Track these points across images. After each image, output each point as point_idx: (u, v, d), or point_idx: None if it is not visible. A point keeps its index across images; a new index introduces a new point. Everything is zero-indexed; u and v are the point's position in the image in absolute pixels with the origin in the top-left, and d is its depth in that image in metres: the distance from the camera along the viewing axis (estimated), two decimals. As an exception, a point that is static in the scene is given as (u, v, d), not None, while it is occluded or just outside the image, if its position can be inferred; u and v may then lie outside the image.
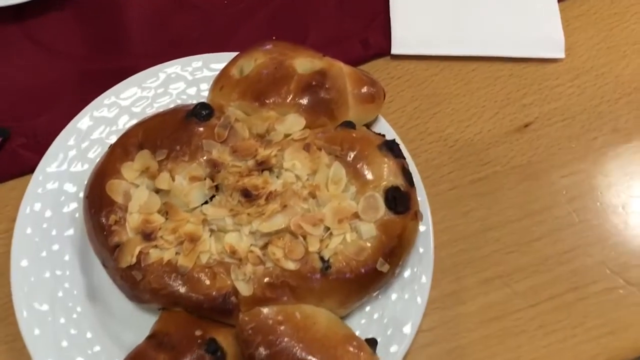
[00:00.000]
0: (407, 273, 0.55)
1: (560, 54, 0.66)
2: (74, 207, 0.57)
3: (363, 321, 0.54)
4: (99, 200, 0.52)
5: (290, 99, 0.53)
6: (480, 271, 0.58)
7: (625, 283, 0.58)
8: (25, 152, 0.62)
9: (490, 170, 0.62)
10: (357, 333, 0.52)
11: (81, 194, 0.57)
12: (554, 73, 0.66)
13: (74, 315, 0.54)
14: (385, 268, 0.50)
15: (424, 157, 0.62)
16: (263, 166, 0.51)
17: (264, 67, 0.55)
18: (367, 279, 0.50)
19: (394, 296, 0.54)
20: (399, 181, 0.51)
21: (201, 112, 0.53)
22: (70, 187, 0.58)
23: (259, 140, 0.52)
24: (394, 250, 0.50)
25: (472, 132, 0.63)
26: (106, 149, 0.57)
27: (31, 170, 0.60)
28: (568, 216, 0.60)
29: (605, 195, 0.61)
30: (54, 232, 0.56)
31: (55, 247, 0.56)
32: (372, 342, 0.50)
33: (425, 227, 0.55)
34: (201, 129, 0.52)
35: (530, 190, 0.61)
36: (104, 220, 0.51)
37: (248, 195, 0.49)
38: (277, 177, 0.51)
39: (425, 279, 0.54)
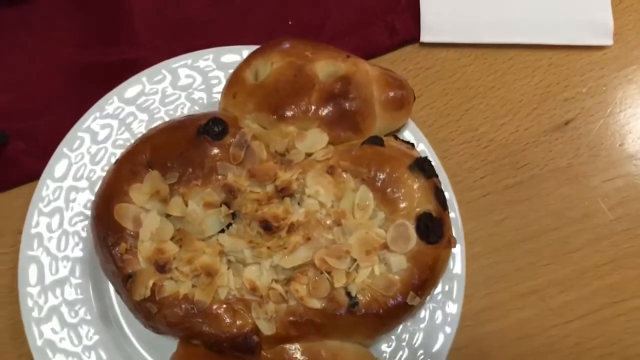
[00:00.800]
0: (439, 292, 0.52)
1: (608, 41, 0.59)
2: (82, 224, 0.54)
3: (392, 345, 0.51)
4: (107, 225, 0.48)
5: (311, 111, 0.48)
6: (514, 285, 0.55)
7: (669, 298, 0.55)
8: (27, 158, 0.58)
9: (527, 174, 0.57)
10: (385, 357, 0.49)
11: (88, 212, 0.53)
12: (600, 62, 0.60)
13: (88, 341, 0.51)
14: (416, 302, 0.46)
15: (455, 159, 0.58)
16: (284, 192, 0.46)
17: (282, 73, 0.50)
18: (396, 314, 0.46)
19: (423, 314, 0.51)
20: (432, 206, 0.47)
21: (214, 129, 0.48)
22: (77, 201, 0.54)
23: (278, 160, 0.48)
24: (426, 282, 0.47)
25: (508, 131, 0.58)
26: (113, 156, 0.54)
27: (34, 177, 0.57)
28: (609, 225, 0.56)
29: (651, 203, 0.57)
30: (61, 253, 0.53)
31: (64, 269, 0.53)
32: (401, 376, 0.47)
33: (457, 246, 0.51)
34: (215, 149, 0.48)
35: (570, 197, 0.57)
36: (113, 249, 0.48)
37: (268, 228, 0.45)
38: (299, 203, 0.47)
39: (455, 302, 0.51)
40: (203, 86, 0.56)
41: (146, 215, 0.48)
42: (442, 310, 0.52)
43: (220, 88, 0.55)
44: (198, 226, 0.47)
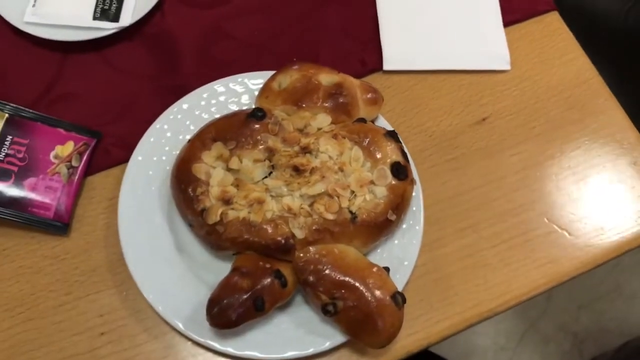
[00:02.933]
0: (405, 225, 0.77)
1: (507, 66, 0.89)
2: (158, 185, 0.77)
3: (377, 258, 0.75)
4: (187, 179, 0.72)
5: (319, 103, 0.75)
6: (456, 223, 0.81)
7: (557, 228, 0.81)
8: (114, 149, 0.82)
9: (460, 152, 0.85)
10: (373, 267, 0.73)
11: (163, 177, 0.77)
12: (502, 80, 0.89)
13: (168, 262, 0.74)
14: (393, 217, 0.72)
15: (411, 144, 0.85)
16: (305, 150, 0.72)
17: (298, 81, 0.77)
18: (381, 225, 0.72)
19: (396, 241, 0.76)
20: (400, 158, 0.73)
21: (257, 114, 0.74)
22: (154, 172, 0.78)
23: (300, 133, 0.74)
24: (399, 205, 0.72)
25: (445, 125, 0.86)
26: (178, 144, 0.78)
27: (120, 163, 0.81)
28: (517, 183, 0.84)
29: (543, 167, 0.85)
30: (145, 204, 0.76)
31: (148, 214, 0.76)
32: (386, 269, 0.72)
33: (416, 193, 0.77)
34: (258, 126, 0.74)
35: (489, 166, 0.84)
36: (192, 192, 0.72)
37: (297, 170, 0.71)
38: (316, 157, 0.72)
39: (419, 228, 0.77)
40: (236, 99, 0.82)
41: (214, 170, 0.72)
42: (409, 237, 0.77)
43: (247, 98, 0.82)
44: (250, 175, 0.72)
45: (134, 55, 0.87)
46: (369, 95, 0.78)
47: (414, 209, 0.77)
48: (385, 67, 0.88)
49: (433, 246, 0.79)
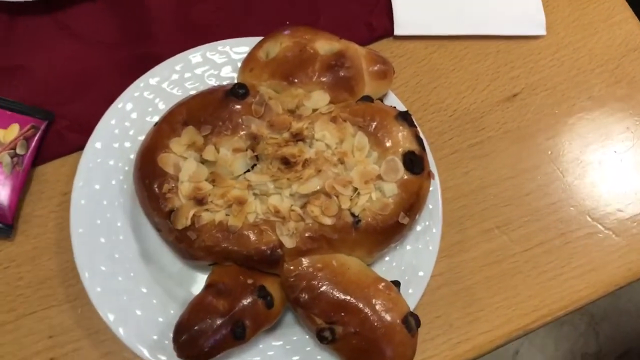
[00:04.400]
0: (419, 227, 0.63)
1: (542, 31, 0.75)
2: (121, 179, 0.64)
3: (384, 269, 0.62)
4: (151, 172, 0.59)
5: (315, 77, 0.61)
6: (481, 222, 0.67)
7: (603, 228, 0.68)
8: (70, 134, 0.68)
9: (485, 135, 0.71)
10: (380, 279, 0.60)
11: (126, 168, 0.64)
12: (537, 49, 0.75)
13: (131, 274, 0.61)
14: (405, 220, 0.58)
15: (428, 126, 0.70)
16: (297, 137, 0.58)
17: (289, 50, 0.62)
18: (390, 231, 0.58)
19: (409, 247, 0.63)
20: (414, 146, 0.59)
21: (238, 92, 0.60)
22: (116, 162, 0.64)
23: (291, 115, 0.60)
24: (413, 205, 0.58)
25: (468, 103, 0.72)
26: (144, 127, 0.64)
27: (76, 149, 0.67)
28: (553, 173, 0.70)
29: (585, 154, 0.71)
30: (105, 202, 0.63)
31: (108, 215, 0.62)
32: (395, 284, 0.58)
33: (433, 187, 0.64)
34: (239, 106, 0.60)
35: (520, 152, 0.70)
36: (157, 189, 0.58)
37: (287, 163, 0.57)
38: (310, 146, 0.59)
39: (436, 230, 0.63)
40: (217, 70, 0.68)
41: (184, 162, 0.59)
42: (424, 242, 0.63)
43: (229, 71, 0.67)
44: (229, 167, 0.58)
45: (95, 19, 0.73)
46: (377, 67, 0.64)
47: (430, 206, 0.63)
48: (397, 32, 0.73)
49: (453, 251, 0.66)
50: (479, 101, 0.72)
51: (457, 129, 0.71)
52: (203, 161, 0.59)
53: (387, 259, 0.62)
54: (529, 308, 0.64)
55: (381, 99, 0.66)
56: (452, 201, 0.68)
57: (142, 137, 0.64)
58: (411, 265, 0.62)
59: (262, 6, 0.75)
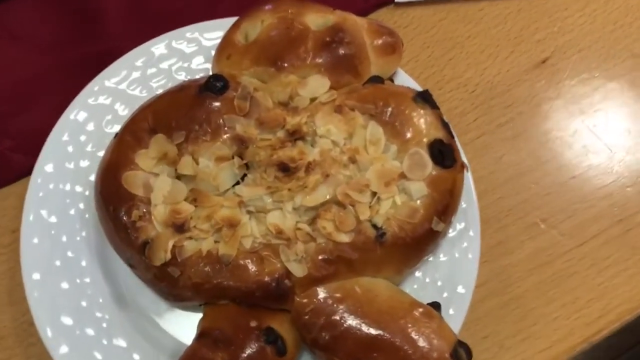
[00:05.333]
0: (453, 231, 0.52)
1: (568, -17, 0.63)
2: (81, 207, 0.52)
3: (415, 286, 0.51)
4: (116, 196, 0.46)
5: (309, 59, 0.49)
6: (522, 217, 0.56)
7: (667, 208, 0.57)
8: (14, 155, 0.56)
9: (516, 111, 0.59)
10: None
11: (87, 193, 0.52)
12: (563, 4, 0.63)
13: (104, 325, 0.49)
14: (440, 227, 0.46)
15: (446, 106, 0.59)
16: (295, 136, 0.46)
17: (274, 28, 0.50)
18: (423, 241, 0.46)
19: (443, 257, 0.51)
20: (441, 133, 0.48)
21: (215, 85, 0.48)
22: (72, 187, 0.52)
23: (284, 109, 0.48)
24: (447, 206, 0.47)
25: (491, 74, 0.60)
26: (104, 140, 0.52)
27: (23, 174, 0.55)
28: (602, 151, 0.58)
29: (635, 123, 0.59)
30: (64, 238, 0.51)
31: (69, 253, 0.50)
32: (435, 307, 0.47)
33: (465, 180, 0.52)
34: (218, 103, 0.47)
35: (559, 128, 0.59)
36: (125, 217, 0.46)
37: (286, 169, 0.45)
38: (312, 145, 0.47)
39: (474, 233, 0.52)
40: (187, 62, 0.56)
41: (156, 179, 0.46)
42: (460, 249, 0.51)
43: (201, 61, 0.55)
44: (212, 182, 0.46)
45: (35, 16, 0.61)
46: (383, 40, 0.52)
47: (464, 205, 0.52)
48: (398, -2, 0.61)
49: (494, 255, 0.55)
50: (504, 71, 0.61)
51: (481, 107, 0.59)
52: (179, 176, 0.47)
53: (418, 274, 0.51)
54: (593, 315, 0.53)
55: (391, 79, 0.54)
56: (486, 194, 0.56)
57: (102, 153, 0.51)
58: (449, 280, 0.50)
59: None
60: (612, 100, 0.60)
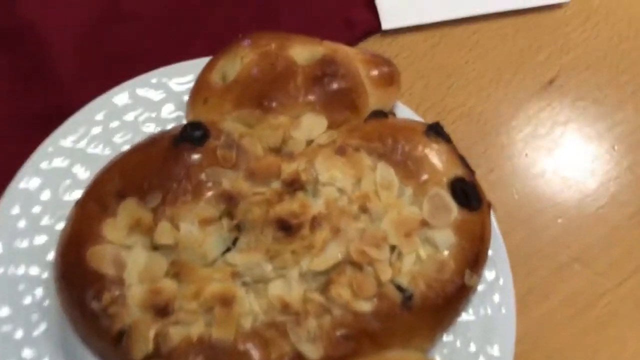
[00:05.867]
0: (481, 284, 0.44)
1: (565, -3, 0.58)
2: (40, 294, 0.43)
3: (445, 351, 0.43)
4: (81, 278, 0.38)
5: (301, 96, 0.42)
6: (552, 257, 0.49)
7: None
8: (-46, 237, 0.46)
9: (528, 139, 0.53)
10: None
11: (44, 276, 0.43)
12: (563, 20, 0.58)
13: None
14: (473, 281, 0.39)
15: (452, 138, 0.52)
16: (294, 186, 0.39)
17: (255, 65, 0.43)
18: (456, 299, 0.39)
19: (472, 314, 0.44)
20: (461, 170, 0.41)
21: (193, 135, 0.40)
22: (28, 269, 0.43)
23: (278, 155, 0.40)
24: (479, 255, 0.40)
25: (495, 100, 0.54)
26: (63, 211, 0.44)
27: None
28: (626, 173, 0.52)
29: (658, 142, 0.54)
30: (18, 335, 0.42)
31: (27, 353, 0.41)
32: (476, 377, 0.39)
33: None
34: (198, 155, 0.40)
35: (578, 152, 0.53)
36: (94, 302, 0.37)
37: (286, 228, 0.37)
38: (315, 196, 0.39)
39: (504, 281, 0.45)
40: (154, 114, 0.48)
41: (129, 253, 0.38)
42: (491, 303, 0.44)
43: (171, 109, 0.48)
44: (198, 250, 0.38)
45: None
46: (379, 70, 0.46)
47: (490, 251, 0.44)
48: (385, 25, 0.56)
49: (526, 304, 0.48)
50: (510, 96, 0.55)
51: (489, 136, 0.53)
52: (157, 247, 0.38)
53: (447, 338, 0.43)
54: (646, 364, 0.46)
55: (392, 113, 0.47)
56: (508, 235, 0.49)
57: (61, 226, 0.43)
58: (483, 341, 0.43)
59: (203, 20, 0.56)
60: (631, 119, 0.54)
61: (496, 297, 0.44)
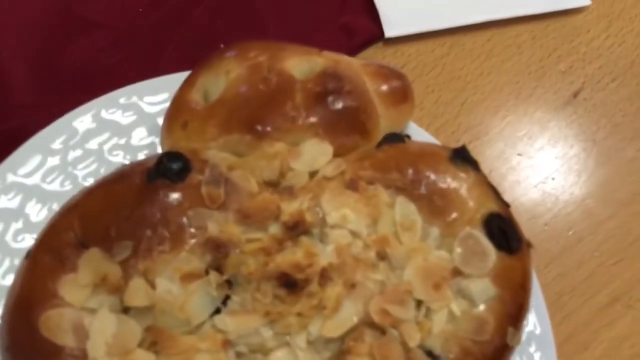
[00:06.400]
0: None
1: (586, 1, 0.52)
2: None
3: (478, 419, 0.36)
4: (32, 352, 0.31)
5: (300, 118, 0.35)
6: (591, 297, 0.43)
7: None
8: None
9: (556, 162, 0.47)
10: None
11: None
12: (584, 25, 0.52)
13: None
14: (516, 341, 0.32)
15: (471, 163, 0.46)
16: (297, 230, 0.32)
17: (244, 81, 0.36)
18: (496, 363, 0.32)
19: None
20: (495, 204, 0.34)
21: (170, 168, 0.33)
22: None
23: (275, 191, 0.33)
24: (522, 308, 0.33)
25: (516, 117, 0.48)
26: (15, 260, 0.36)
27: None
28: (667, 197, 0.46)
29: (700, 160, 0.48)
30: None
31: None
32: None
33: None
34: (178, 194, 0.32)
35: (607, 177, 0.47)
36: (49, 384, 0.30)
37: (290, 284, 0.30)
38: (323, 241, 0.32)
39: (542, 331, 0.38)
40: (122, 141, 0.41)
41: (93, 319, 0.31)
42: (530, 355, 0.38)
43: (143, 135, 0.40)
44: (179, 313, 0.30)
45: None
46: (389, 85, 0.39)
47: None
48: (388, 33, 0.49)
49: (565, 354, 0.41)
50: (529, 112, 0.48)
51: (510, 160, 0.47)
52: (127, 310, 0.31)
53: (482, 403, 0.36)
54: None
55: (408, 136, 0.40)
56: (540, 273, 0.43)
57: (8, 281, 0.35)
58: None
59: (178, 31, 0.48)
60: (665, 135, 0.49)
61: (533, 350, 0.38)
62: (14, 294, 0.32)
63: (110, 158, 0.40)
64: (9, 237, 0.37)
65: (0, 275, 0.37)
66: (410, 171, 0.34)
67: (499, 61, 0.50)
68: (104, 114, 0.41)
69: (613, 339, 0.42)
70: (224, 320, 0.30)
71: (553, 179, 0.46)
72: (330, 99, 0.36)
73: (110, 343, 0.30)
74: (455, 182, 0.34)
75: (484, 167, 0.45)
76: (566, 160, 0.47)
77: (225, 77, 0.37)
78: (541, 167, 0.47)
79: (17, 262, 0.36)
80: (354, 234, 0.32)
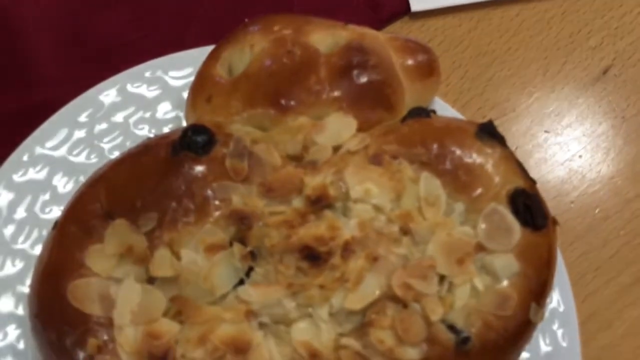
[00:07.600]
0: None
1: (618, -26, 0.51)
2: (14, 333, 0.36)
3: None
4: (60, 320, 0.31)
5: (324, 92, 0.35)
6: (615, 276, 0.43)
7: None
8: None
9: (584, 138, 0.46)
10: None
11: (21, 311, 0.36)
12: (615, 0, 0.51)
13: None
14: (540, 316, 0.32)
15: (498, 139, 0.45)
16: (320, 204, 0.32)
17: (269, 55, 0.36)
18: (520, 339, 0.32)
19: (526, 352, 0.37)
20: (521, 180, 0.34)
21: (195, 140, 0.33)
22: (0, 304, 0.36)
23: (299, 165, 0.33)
24: (546, 284, 0.33)
25: (544, 94, 0.47)
26: (43, 230, 0.37)
27: None
28: (696, 177, 0.45)
29: None
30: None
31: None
32: None
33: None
34: (202, 167, 0.33)
35: (638, 155, 0.46)
36: (77, 349, 0.30)
37: (313, 257, 0.30)
38: (346, 215, 0.32)
39: (566, 309, 0.38)
40: (147, 114, 0.41)
41: (119, 288, 0.31)
42: (552, 334, 0.37)
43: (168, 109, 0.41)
44: (203, 284, 0.31)
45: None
46: (415, 59, 0.38)
47: (548, 271, 0.37)
48: (415, 6, 0.48)
49: (587, 333, 0.41)
50: (558, 89, 0.48)
51: (537, 137, 0.46)
52: (153, 280, 0.31)
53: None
54: None
55: (433, 111, 0.40)
56: (564, 251, 0.42)
57: (37, 251, 0.36)
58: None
59: (203, 5, 0.48)
60: (697, 113, 0.47)
61: (557, 328, 0.37)
62: (43, 263, 0.33)
63: (136, 131, 0.41)
64: (37, 208, 0.38)
65: (29, 246, 0.38)
66: (435, 146, 0.33)
67: (527, 36, 0.49)
68: (130, 87, 0.41)
69: (636, 318, 0.41)
70: (248, 291, 0.31)
71: (580, 156, 0.46)
72: (355, 72, 0.36)
73: (136, 312, 0.31)
74: (481, 157, 0.34)
75: (510, 144, 0.44)
76: (594, 138, 0.46)
77: (249, 51, 0.37)
78: (568, 144, 0.46)
79: (45, 232, 0.37)
80: (377, 209, 0.32)
